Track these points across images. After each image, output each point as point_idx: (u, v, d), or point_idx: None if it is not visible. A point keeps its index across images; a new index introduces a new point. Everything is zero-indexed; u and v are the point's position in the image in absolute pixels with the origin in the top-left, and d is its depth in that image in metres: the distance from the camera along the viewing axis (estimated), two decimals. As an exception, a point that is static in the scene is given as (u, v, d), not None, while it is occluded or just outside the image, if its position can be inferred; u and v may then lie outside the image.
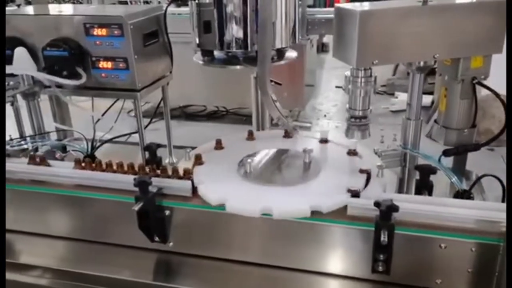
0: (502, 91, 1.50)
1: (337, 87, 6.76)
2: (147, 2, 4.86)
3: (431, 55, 1.42)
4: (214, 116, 5.69)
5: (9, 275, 1.40)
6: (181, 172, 1.38)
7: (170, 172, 1.41)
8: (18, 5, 5.21)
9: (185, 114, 5.63)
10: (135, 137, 1.97)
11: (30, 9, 1.96)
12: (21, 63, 1.58)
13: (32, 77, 1.65)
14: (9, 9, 5.62)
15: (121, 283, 1.36)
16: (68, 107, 2.28)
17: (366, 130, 1.52)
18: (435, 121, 1.65)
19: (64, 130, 2.08)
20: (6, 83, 1.64)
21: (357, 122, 1.49)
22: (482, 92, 1.57)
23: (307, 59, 5.26)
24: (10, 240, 1.52)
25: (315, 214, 1.24)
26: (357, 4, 1.38)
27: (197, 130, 5.08)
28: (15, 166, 1.47)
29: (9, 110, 1.78)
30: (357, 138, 1.52)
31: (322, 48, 8.38)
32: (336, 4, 1.44)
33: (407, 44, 1.39)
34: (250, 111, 5.97)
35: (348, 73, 1.43)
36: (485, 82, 1.54)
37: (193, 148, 1.60)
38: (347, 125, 1.51)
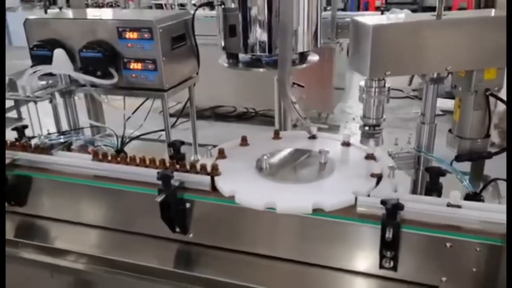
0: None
1: (367, 90, 6.73)
2: (182, 5, 5.01)
3: (444, 67, 1.46)
4: (244, 117, 5.79)
5: (47, 259, 1.54)
6: (207, 168, 1.46)
7: (189, 167, 1.50)
8: (60, 8, 5.47)
9: (216, 114, 5.77)
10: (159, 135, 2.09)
11: (69, 13, 2.11)
12: (60, 63, 1.71)
13: (69, 76, 1.78)
14: (51, 11, 5.89)
15: (145, 270, 1.46)
16: (102, 105, 2.42)
17: (379, 138, 1.56)
18: (450, 130, 1.68)
19: (97, 126, 2.21)
20: (45, 82, 1.78)
21: (371, 130, 1.53)
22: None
23: (336, 62, 5.28)
24: (48, 226, 1.66)
25: (324, 211, 1.31)
26: (372, 17, 1.43)
27: (226, 131, 5.20)
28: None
29: (47, 107, 1.92)
30: (370, 146, 1.56)
31: (353, 51, 8.34)
32: (353, 17, 1.49)
33: (419, 57, 1.43)
34: (278, 112, 5.90)
35: (362, 83, 1.48)
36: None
37: (214, 146, 1.69)
38: (361, 132, 1.56)
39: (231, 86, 5.15)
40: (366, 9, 11.48)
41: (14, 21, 10.53)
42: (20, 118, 2.82)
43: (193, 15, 1.93)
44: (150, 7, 8.56)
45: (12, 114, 2.79)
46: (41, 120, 1.88)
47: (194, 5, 6.85)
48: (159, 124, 2.24)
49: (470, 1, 10.21)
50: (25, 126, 1.81)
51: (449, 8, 12.44)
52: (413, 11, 4.14)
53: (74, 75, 1.74)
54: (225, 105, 5.83)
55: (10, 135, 1.76)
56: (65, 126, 1.99)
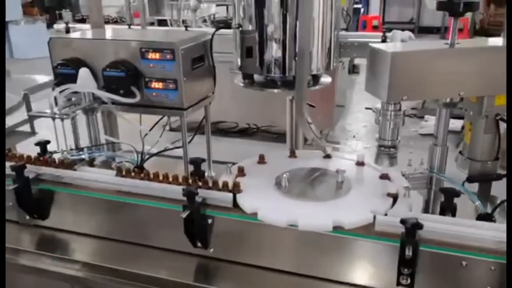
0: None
1: (367, 108, 6.84)
2: (186, 26, 5.12)
3: (457, 93, 1.54)
4: (246, 132, 5.85)
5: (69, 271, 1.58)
6: (229, 185, 1.52)
7: (211, 184, 1.56)
8: (67, 23, 5.52)
9: (218, 130, 5.82)
10: (175, 151, 2.15)
11: (88, 33, 2.17)
12: (85, 82, 1.77)
13: (93, 94, 1.84)
14: (57, 26, 5.93)
15: (167, 283, 1.50)
16: (117, 121, 2.47)
17: (394, 158, 1.62)
18: (460, 152, 1.75)
19: (113, 143, 2.26)
20: (70, 99, 1.84)
21: (386, 151, 1.60)
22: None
23: (338, 81, 5.39)
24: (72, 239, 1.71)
25: (344, 229, 1.37)
26: (389, 44, 1.50)
27: (229, 146, 5.25)
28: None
29: (67, 123, 1.96)
30: (386, 166, 1.63)
31: (353, 69, 8.49)
32: (370, 44, 1.57)
33: (434, 83, 1.51)
34: (281, 129, 6.10)
35: (379, 106, 1.55)
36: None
37: (233, 163, 1.75)
38: (376, 152, 1.62)
39: (233, 102, 5.22)
40: (364, 27, 11.69)
41: (16, 33, 10.65)
42: (33, 133, 2.86)
43: (212, 37, 2.00)
44: (153, 23, 8.69)
45: (24, 128, 2.83)
46: (53, 134, 1.92)
47: (205, 21, 6.96)
48: (167, 139, 2.30)
49: (465, 24, 10.44)
50: (48, 142, 1.86)
51: (445, 28, 12.69)
52: (410, 31, 4.26)
53: (99, 93, 1.79)
54: (227, 121, 5.90)
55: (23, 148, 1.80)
56: (84, 143, 2.03)
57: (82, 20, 7.27)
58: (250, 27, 1.89)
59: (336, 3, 1.92)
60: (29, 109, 2.67)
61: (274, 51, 1.87)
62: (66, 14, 5.63)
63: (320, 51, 1.93)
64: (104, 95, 1.79)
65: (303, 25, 1.67)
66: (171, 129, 5.10)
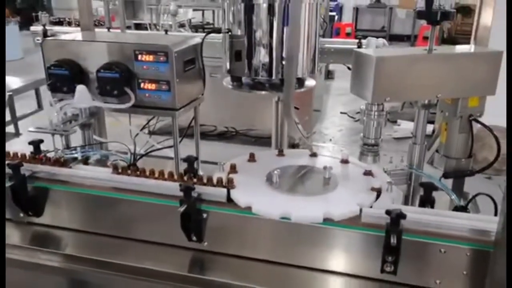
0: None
1: (342, 113, 7.02)
2: (165, 30, 5.17)
3: (435, 95, 1.68)
4: (224, 136, 5.92)
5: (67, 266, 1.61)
6: (223, 181, 1.60)
7: (206, 180, 1.63)
8: (44, 25, 5.49)
9: (197, 133, 5.87)
10: (162, 153, 2.22)
11: (79, 35, 2.21)
12: (82, 98, 1.82)
13: (89, 109, 1.89)
14: (34, 28, 5.84)
15: (162, 275, 1.56)
16: (105, 122, 2.51)
17: (377, 156, 1.74)
18: (437, 151, 1.88)
19: (102, 143, 2.30)
20: (66, 114, 1.88)
21: (370, 149, 1.71)
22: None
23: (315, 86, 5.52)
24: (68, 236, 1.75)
25: (334, 221, 1.47)
26: (372, 49, 1.62)
27: (208, 149, 5.28)
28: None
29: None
30: (369, 163, 1.74)
31: (328, 75, 8.69)
32: (353, 48, 1.68)
33: (414, 85, 1.64)
34: (259, 132, 6.20)
35: (363, 106, 1.66)
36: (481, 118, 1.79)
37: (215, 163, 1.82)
38: (360, 150, 1.74)
39: (212, 106, 5.27)
40: (338, 34, 11.97)
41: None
42: (17, 134, 2.87)
43: (202, 40, 2.08)
44: (129, 27, 8.68)
45: (9, 129, 2.83)
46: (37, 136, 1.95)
47: (183, 26, 7.00)
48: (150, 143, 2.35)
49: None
50: (41, 141, 1.90)
51: (415, 37, 13.11)
52: (382, 38, 4.45)
53: (97, 104, 1.85)
54: (206, 124, 5.95)
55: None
56: (72, 142, 2.07)
57: (59, 23, 7.19)
58: (239, 32, 1.98)
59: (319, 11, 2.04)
60: (12, 110, 2.69)
61: (262, 55, 1.97)
62: (44, 16, 5.57)
63: (306, 55, 2.03)
64: (101, 105, 1.84)
65: (292, 30, 1.77)
66: (152, 133, 5.13)
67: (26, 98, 3.75)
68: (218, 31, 2.05)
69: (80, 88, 1.83)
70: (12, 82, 3.54)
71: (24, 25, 9.95)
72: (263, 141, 5.21)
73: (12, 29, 10.57)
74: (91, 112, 1.89)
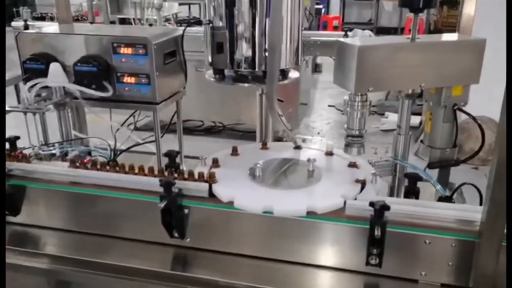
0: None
1: (329, 106, 7.01)
2: (150, 24, 5.09)
3: (418, 84, 1.65)
4: (211, 131, 5.88)
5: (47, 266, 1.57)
6: (204, 176, 1.56)
7: (187, 175, 1.59)
8: (25, 20, 5.38)
9: (183, 128, 5.81)
10: (143, 147, 2.17)
11: (57, 28, 2.16)
12: (56, 76, 1.77)
13: (64, 89, 1.83)
14: (15, 24, 5.73)
15: (144, 273, 1.52)
16: (85, 118, 2.46)
17: (361, 147, 1.71)
18: (421, 141, 1.86)
19: (82, 138, 2.25)
20: (39, 94, 1.83)
21: (354, 140, 1.68)
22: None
23: (301, 79, 5.50)
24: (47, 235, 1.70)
25: (317, 214, 1.44)
26: (355, 39, 1.59)
27: (196, 145, 5.23)
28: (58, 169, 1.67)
29: (37, 119, 1.94)
30: (354, 154, 1.71)
31: (315, 68, 8.67)
32: (338, 38, 1.65)
33: (397, 75, 1.61)
34: (246, 127, 6.17)
35: (346, 97, 1.63)
36: (466, 107, 1.76)
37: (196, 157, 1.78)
38: (345, 142, 1.70)
39: (199, 101, 5.25)
40: (325, 27, 11.94)
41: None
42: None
43: (183, 32, 2.03)
44: (114, 22, 8.56)
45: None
46: (18, 131, 1.89)
47: (170, 23, 6.91)
48: (133, 140, 2.31)
49: (421, 24, 10.85)
50: (17, 138, 1.84)
51: (402, 29, 13.15)
52: (370, 30, 4.43)
53: (71, 86, 1.80)
54: (192, 119, 5.90)
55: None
56: (54, 138, 2.02)
57: (41, 18, 7.07)
58: (221, 24, 1.93)
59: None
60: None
61: (244, 46, 1.93)
62: (25, 11, 5.46)
63: (289, 46, 2.00)
64: (76, 88, 1.79)
65: (273, 20, 1.73)
66: (136, 129, 5.07)
67: (7, 96, 3.68)
68: (199, 23, 2.01)
69: (54, 66, 1.78)
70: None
71: (8, 21, 9.76)
72: (250, 135, 5.17)
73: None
74: (66, 91, 1.83)
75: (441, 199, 1.60)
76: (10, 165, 1.69)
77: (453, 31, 1.96)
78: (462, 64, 1.64)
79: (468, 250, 1.36)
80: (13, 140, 1.83)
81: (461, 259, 1.37)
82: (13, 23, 5.62)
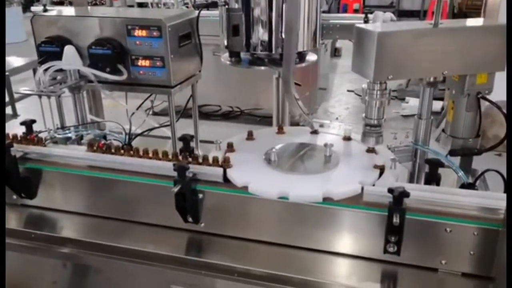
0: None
1: (348, 91, 6.90)
2: (165, 4, 5.05)
3: (440, 72, 1.57)
4: (229, 116, 5.85)
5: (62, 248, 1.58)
6: (219, 160, 1.53)
7: (201, 160, 1.57)
8: (44, 5, 5.41)
9: (201, 113, 5.80)
10: (159, 132, 2.15)
11: (72, 11, 2.14)
12: (70, 59, 1.75)
13: (79, 72, 1.82)
14: (35, 8, 5.78)
15: (159, 257, 1.52)
16: (101, 102, 2.46)
17: (380, 137, 1.65)
18: (443, 130, 1.79)
19: (98, 122, 2.24)
20: (55, 78, 1.82)
21: (372, 130, 1.62)
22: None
23: (320, 63, 5.41)
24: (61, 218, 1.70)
25: (333, 200, 1.40)
26: (376, 25, 1.52)
27: (213, 130, 5.24)
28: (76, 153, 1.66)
29: (52, 103, 1.93)
30: (372, 144, 1.65)
31: (334, 52, 8.53)
32: (356, 24, 1.58)
33: (419, 62, 1.53)
34: (264, 112, 6.12)
35: (365, 85, 1.57)
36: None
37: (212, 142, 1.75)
38: (362, 131, 1.65)
39: (216, 85, 5.21)
40: (345, 11, 11.71)
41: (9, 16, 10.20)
42: (15, 115, 2.82)
43: (198, 14, 1.99)
44: (132, 6, 8.55)
45: (7, 110, 2.78)
46: (35, 115, 1.89)
47: (185, 5, 6.86)
48: (150, 124, 2.29)
49: (444, 7, 10.55)
50: (33, 121, 1.84)
51: (424, 12, 12.81)
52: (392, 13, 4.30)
53: (85, 70, 1.78)
54: (210, 104, 5.88)
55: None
56: (70, 122, 2.02)
57: (60, 3, 7.11)
58: (236, 6, 1.89)
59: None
60: (10, 91, 2.62)
61: (260, 28, 1.88)
62: (44, -4, 5.52)
63: (306, 28, 1.95)
64: (90, 71, 1.77)
65: (291, 2, 1.68)
66: (154, 113, 5.08)
67: (26, 82, 3.72)
68: (215, 4, 1.96)
69: (69, 49, 1.76)
70: (13, 62, 3.48)
71: (28, 6, 9.85)
72: (268, 120, 5.12)
73: (15, 10, 10.39)
74: (81, 74, 1.81)
75: (463, 186, 1.54)
76: (26, 148, 1.69)
77: (478, 14, 1.86)
78: (487, 50, 1.55)
79: (491, 239, 1.31)
80: (29, 123, 1.82)
81: (483, 248, 1.33)
82: (33, 8, 5.68)
